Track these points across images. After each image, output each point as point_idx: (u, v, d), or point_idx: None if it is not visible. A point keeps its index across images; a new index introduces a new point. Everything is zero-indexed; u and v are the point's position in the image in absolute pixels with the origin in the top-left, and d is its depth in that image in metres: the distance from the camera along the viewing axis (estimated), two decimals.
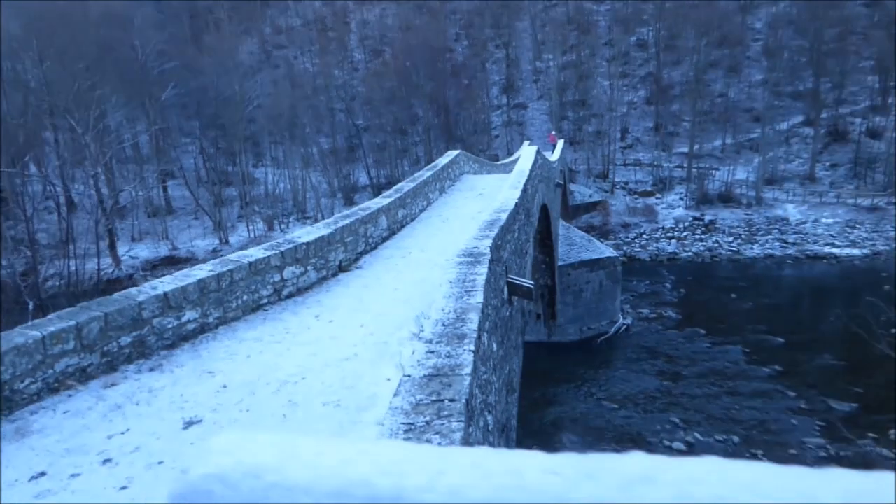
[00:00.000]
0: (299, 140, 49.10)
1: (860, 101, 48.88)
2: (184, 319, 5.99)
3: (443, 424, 2.72)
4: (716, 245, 40.17)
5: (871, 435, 18.55)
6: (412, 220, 12.30)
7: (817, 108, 47.28)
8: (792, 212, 42.15)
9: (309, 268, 7.98)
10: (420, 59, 50.56)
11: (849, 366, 23.69)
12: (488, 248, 6.52)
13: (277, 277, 7.35)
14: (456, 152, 16.76)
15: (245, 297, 6.84)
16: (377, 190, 47.97)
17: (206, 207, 43.20)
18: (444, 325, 4.13)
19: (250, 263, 6.82)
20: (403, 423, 2.76)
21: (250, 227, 42.27)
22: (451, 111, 50.76)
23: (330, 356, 5.26)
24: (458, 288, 5.04)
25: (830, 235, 39.85)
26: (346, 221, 9.02)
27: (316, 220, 43.12)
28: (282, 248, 7.41)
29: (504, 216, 8.59)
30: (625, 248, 39.99)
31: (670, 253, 39.96)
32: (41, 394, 4.77)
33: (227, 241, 40.86)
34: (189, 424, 4.10)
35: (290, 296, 7.56)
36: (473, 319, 4.17)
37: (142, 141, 43.38)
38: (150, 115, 40.61)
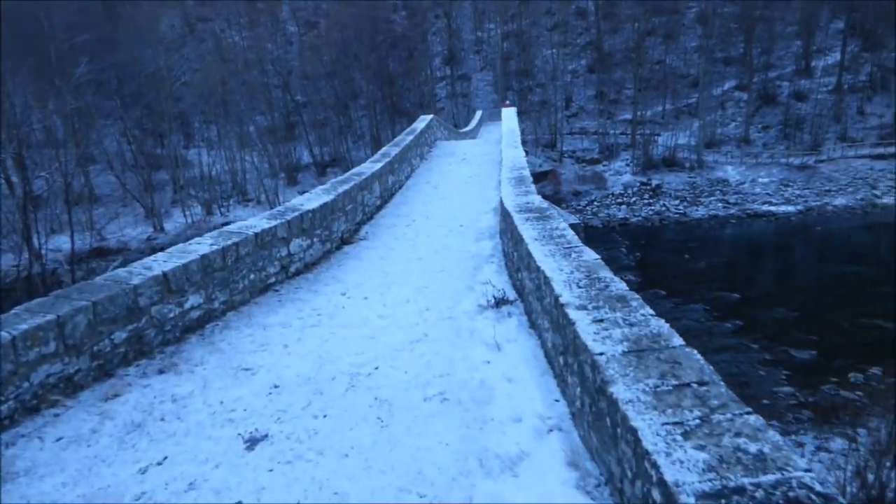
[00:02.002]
0: (234, 118, 45.91)
1: (786, 66, 51.03)
2: (187, 306, 4.76)
3: (731, 420, 1.83)
4: (664, 209, 41.08)
5: (833, 380, 19.35)
6: (400, 187, 11.20)
7: (749, 73, 48.96)
8: (731, 173, 43.66)
9: (315, 240, 6.81)
10: (358, 31, 48.25)
11: (801, 316, 24.76)
12: (544, 202, 5.63)
13: (284, 251, 6.16)
14: (430, 117, 15.62)
15: (252, 276, 5.63)
16: (321, 168, 45.84)
17: (135, 193, 39.76)
18: (579, 286, 3.23)
19: (256, 235, 5.60)
20: (666, 425, 1.84)
21: (187, 213, 39.29)
22: (394, 84, 48.90)
23: (394, 339, 4.22)
24: (553, 245, 4.13)
25: (767, 194, 41.64)
26: (346, 187, 7.85)
27: (259, 202, 40.67)
28: (287, 217, 6.21)
29: (527, 173, 7.72)
30: (578, 215, 40.11)
31: (621, 218, 40.52)
32: (15, 416, 3.50)
33: (161, 229, 37.83)
34: (252, 442, 2.99)
35: (297, 273, 6.39)
36: (612, 277, 3.30)
37: (56, 123, 39.12)
38: (62, 93, 36.55)
